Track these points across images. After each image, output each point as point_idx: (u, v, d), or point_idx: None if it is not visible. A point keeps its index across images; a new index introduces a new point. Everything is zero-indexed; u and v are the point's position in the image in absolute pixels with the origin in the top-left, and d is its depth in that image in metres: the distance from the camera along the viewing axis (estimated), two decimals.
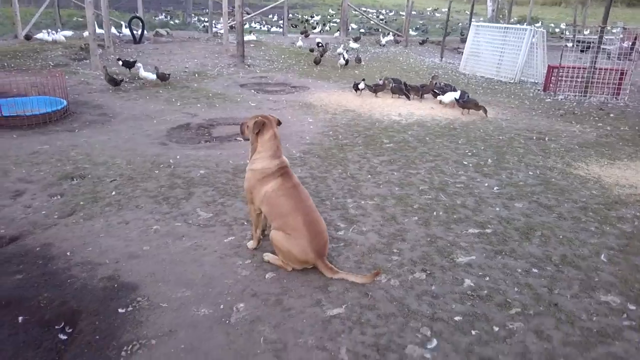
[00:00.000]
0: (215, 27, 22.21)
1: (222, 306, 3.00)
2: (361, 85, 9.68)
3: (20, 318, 3.03)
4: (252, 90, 10.83)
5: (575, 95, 11.38)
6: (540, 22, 31.05)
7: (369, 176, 5.33)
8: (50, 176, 5.09)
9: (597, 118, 9.09)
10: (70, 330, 2.96)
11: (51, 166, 5.37)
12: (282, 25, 24.27)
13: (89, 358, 2.59)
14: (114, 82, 9.61)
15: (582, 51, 14.13)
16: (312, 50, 16.65)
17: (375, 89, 9.60)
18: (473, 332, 2.79)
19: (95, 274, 3.34)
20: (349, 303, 3.03)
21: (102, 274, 3.34)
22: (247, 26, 22.28)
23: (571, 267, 3.50)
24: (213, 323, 2.85)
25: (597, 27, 11.33)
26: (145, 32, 18.08)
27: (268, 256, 3.49)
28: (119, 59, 11.67)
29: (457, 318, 2.91)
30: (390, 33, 23.52)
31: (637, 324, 2.88)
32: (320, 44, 17.32)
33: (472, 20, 19.17)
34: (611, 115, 9.40)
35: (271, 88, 11.37)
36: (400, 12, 34.98)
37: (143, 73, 10.23)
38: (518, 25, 17.82)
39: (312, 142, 6.61)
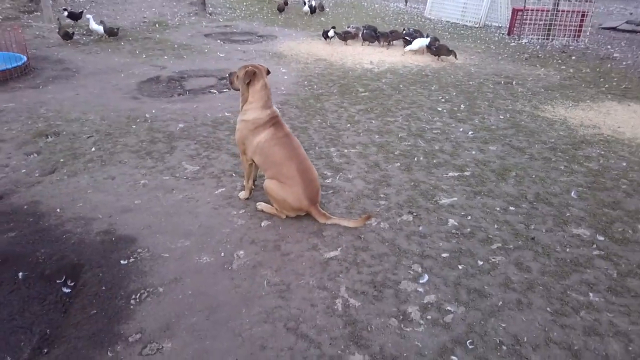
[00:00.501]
0: None
1: (222, 254, 3.12)
2: (331, 33, 9.58)
3: (20, 274, 3.07)
4: (218, 41, 10.56)
5: (539, 39, 11.63)
6: None
7: (349, 125, 5.42)
8: (23, 134, 4.95)
9: (560, 61, 9.38)
10: (73, 283, 3.02)
11: (22, 124, 5.21)
12: None
13: (98, 308, 2.68)
14: (68, 36, 9.16)
15: None
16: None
17: (344, 36, 9.52)
18: (460, 267, 3.02)
19: (90, 229, 3.38)
20: (343, 246, 3.20)
21: (97, 229, 3.38)
22: None
23: (544, 204, 3.77)
24: (216, 269, 2.97)
25: None
26: None
27: (261, 205, 3.59)
28: (64, 9, 11.02)
29: (444, 255, 3.14)
30: None
31: (606, 253, 3.18)
32: None
33: None
34: (573, 57, 9.71)
35: (237, 37, 11.11)
36: None
37: (93, 25, 9.70)
38: None
39: (288, 92, 6.60)
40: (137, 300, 2.73)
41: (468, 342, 2.45)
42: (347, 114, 5.80)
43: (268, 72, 3.53)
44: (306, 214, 3.47)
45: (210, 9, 15.53)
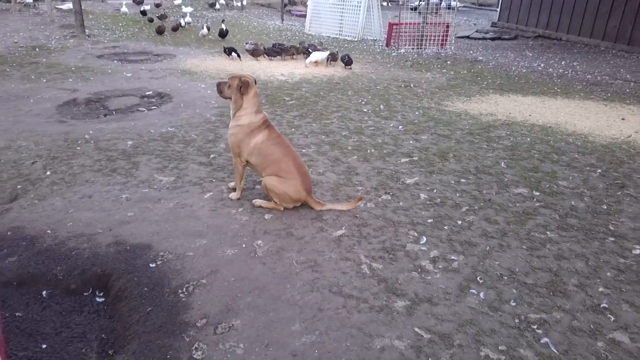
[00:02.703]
0: None
1: (243, 245, 3.39)
2: (236, 49, 9.92)
3: (43, 292, 3.04)
4: (115, 61, 10.28)
5: (413, 48, 13.12)
6: None
7: (293, 129, 5.87)
8: None
9: (439, 66, 10.78)
10: (102, 293, 3.08)
11: None
12: None
13: (151, 305, 2.81)
14: None
15: (412, 9, 16.11)
16: (151, 20, 15.86)
17: (254, 53, 9.94)
18: (445, 227, 3.66)
19: (97, 243, 3.40)
20: (346, 225, 3.66)
21: (104, 242, 3.41)
22: None
23: (485, 174, 4.61)
24: (245, 259, 3.24)
25: None
26: None
27: (259, 201, 3.90)
28: None
29: (429, 220, 3.76)
30: None
31: (544, 204, 4.06)
32: (159, 8, 16.64)
33: None
34: (448, 62, 11.21)
35: (133, 57, 10.89)
36: None
37: None
38: None
39: (220, 105, 6.84)
40: (186, 292, 2.91)
41: (478, 278, 3.07)
42: (285, 120, 6.24)
43: (255, 82, 3.87)
44: (301, 205, 3.85)
45: (87, 30, 14.82)
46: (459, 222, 3.73)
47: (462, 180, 4.47)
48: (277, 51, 10.08)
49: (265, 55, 10.23)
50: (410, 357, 2.46)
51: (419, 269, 3.16)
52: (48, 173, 4.52)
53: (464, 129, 5.99)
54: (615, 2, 13.91)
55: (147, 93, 7.56)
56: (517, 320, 2.72)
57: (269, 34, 15.99)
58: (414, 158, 4.97)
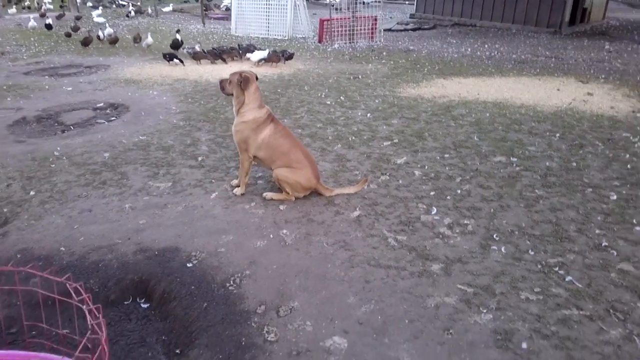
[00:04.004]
0: None
1: (271, 236, 3.49)
2: (178, 55, 9.76)
3: (84, 307, 2.97)
4: (46, 76, 9.72)
5: (346, 43, 13.54)
6: None
7: None
8: None
9: (376, 57, 11.24)
10: (143, 299, 3.08)
11: None
12: None
13: (205, 301, 2.85)
14: None
15: (336, 9, 16.53)
16: (68, 35, 14.91)
17: (196, 56, 9.83)
18: (448, 197, 3.98)
19: (123, 252, 3.36)
20: (359, 206, 3.87)
21: (129, 250, 3.38)
22: None
23: (463, 148, 5.00)
24: (278, 247, 3.35)
25: None
26: None
27: (269, 194, 4.00)
28: None
29: (432, 193, 4.06)
30: (130, 3, 22.90)
31: (523, 167, 4.51)
32: (61, 19, 15.88)
33: None
34: (384, 53, 11.71)
35: (65, 71, 10.34)
36: None
37: None
38: None
39: (183, 110, 6.76)
40: (234, 285, 2.98)
41: (494, 236, 3.41)
42: None
43: (256, 78, 3.96)
44: (310, 193, 4.01)
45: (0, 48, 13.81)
46: (459, 192, 4.06)
47: (446, 155, 4.83)
48: (218, 54, 10.02)
49: (207, 58, 10.13)
50: (463, 309, 2.72)
51: (440, 235, 3.44)
52: (32, 193, 4.31)
53: (427, 111, 6.40)
54: None
55: (99, 105, 7.29)
56: (539, 266, 3.08)
57: (196, 38, 15.73)
58: (394, 141, 5.27)
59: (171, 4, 23.71)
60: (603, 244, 3.29)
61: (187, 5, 24.36)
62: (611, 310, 2.69)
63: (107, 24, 14.93)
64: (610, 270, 3.02)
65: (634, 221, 3.57)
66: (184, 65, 9.92)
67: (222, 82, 3.90)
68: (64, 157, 5.11)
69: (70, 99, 7.60)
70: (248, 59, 10.13)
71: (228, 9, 23.27)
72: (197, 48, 10.16)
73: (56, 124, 6.49)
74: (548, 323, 2.60)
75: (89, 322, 1.93)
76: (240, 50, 10.54)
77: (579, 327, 2.57)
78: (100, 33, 13.60)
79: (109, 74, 9.66)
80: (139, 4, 22.62)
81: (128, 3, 22.72)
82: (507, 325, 2.59)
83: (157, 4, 23.46)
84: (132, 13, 20.39)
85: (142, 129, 6.06)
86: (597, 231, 3.45)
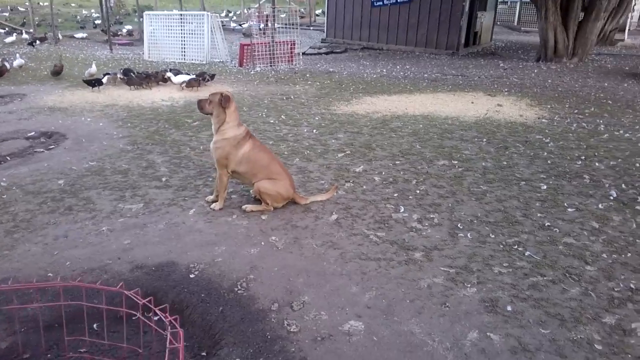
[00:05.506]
0: None
1: (262, 243, 3.71)
2: (105, 80, 9.54)
3: (94, 325, 3.01)
4: None
5: (267, 66, 13.94)
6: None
7: None
8: None
9: (301, 79, 11.74)
10: (151, 312, 3.16)
11: None
12: None
13: (220, 305, 3.00)
14: None
15: (245, 34, 16.90)
16: None
17: (128, 81, 9.66)
18: (410, 197, 4.45)
19: (118, 271, 3.39)
20: (334, 211, 4.21)
21: (124, 269, 3.42)
22: None
23: (410, 155, 5.55)
24: (272, 252, 3.58)
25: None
26: None
27: (249, 207, 4.20)
28: None
29: (395, 195, 4.51)
30: (24, 31, 21.80)
31: (464, 168, 5.14)
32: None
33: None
34: (307, 75, 12.25)
35: None
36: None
37: None
38: (194, 12, 19.18)
39: (125, 135, 6.68)
40: (242, 288, 3.17)
41: (458, 225, 3.92)
42: (203, 139, 6.45)
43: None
44: (287, 202, 4.28)
45: None
46: (417, 192, 4.56)
47: (397, 162, 5.34)
48: (142, 79, 9.93)
49: (140, 84, 9.97)
50: (451, 286, 3.16)
51: (413, 229, 3.88)
52: None
53: (367, 125, 6.93)
54: (420, 16, 16.67)
55: (30, 134, 6.97)
56: (501, 246, 3.62)
57: (107, 64, 15.28)
58: (347, 152, 5.70)
59: (83, 32, 22.67)
60: (546, 224, 3.92)
61: (90, 31, 23.42)
62: (567, 274, 3.26)
63: (18, 56, 13.97)
64: (557, 244, 3.63)
65: (565, 204, 4.28)
66: (93, 87, 9.65)
67: (201, 102, 4.08)
68: (14, 187, 4.91)
69: (6, 128, 7.19)
70: (169, 78, 10.05)
71: (130, 34, 22.77)
72: (119, 75, 9.95)
73: None
74: (522, 289, 3.11)
75: (167, 333, 2.07)
76: (161, 74, 10.48)
77: (546, 289, 3.10)
78: (6, 64, 12.74)
79: (28, 102, 9.18)
80: (31, 30, 21.46)
81: (21, 31, 21.44)
82: (490, 295, 3.06)
83: (55, 30, 22.30)
84: (37, 42, 19.23)
85: (89, 155, 5.93)
86: (539, 214, 4.09)
